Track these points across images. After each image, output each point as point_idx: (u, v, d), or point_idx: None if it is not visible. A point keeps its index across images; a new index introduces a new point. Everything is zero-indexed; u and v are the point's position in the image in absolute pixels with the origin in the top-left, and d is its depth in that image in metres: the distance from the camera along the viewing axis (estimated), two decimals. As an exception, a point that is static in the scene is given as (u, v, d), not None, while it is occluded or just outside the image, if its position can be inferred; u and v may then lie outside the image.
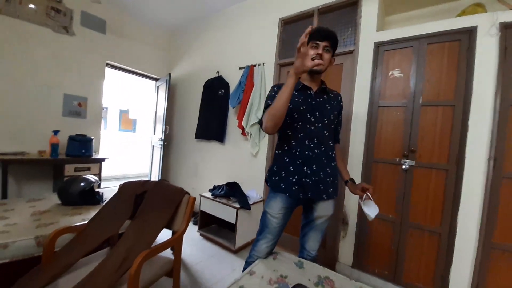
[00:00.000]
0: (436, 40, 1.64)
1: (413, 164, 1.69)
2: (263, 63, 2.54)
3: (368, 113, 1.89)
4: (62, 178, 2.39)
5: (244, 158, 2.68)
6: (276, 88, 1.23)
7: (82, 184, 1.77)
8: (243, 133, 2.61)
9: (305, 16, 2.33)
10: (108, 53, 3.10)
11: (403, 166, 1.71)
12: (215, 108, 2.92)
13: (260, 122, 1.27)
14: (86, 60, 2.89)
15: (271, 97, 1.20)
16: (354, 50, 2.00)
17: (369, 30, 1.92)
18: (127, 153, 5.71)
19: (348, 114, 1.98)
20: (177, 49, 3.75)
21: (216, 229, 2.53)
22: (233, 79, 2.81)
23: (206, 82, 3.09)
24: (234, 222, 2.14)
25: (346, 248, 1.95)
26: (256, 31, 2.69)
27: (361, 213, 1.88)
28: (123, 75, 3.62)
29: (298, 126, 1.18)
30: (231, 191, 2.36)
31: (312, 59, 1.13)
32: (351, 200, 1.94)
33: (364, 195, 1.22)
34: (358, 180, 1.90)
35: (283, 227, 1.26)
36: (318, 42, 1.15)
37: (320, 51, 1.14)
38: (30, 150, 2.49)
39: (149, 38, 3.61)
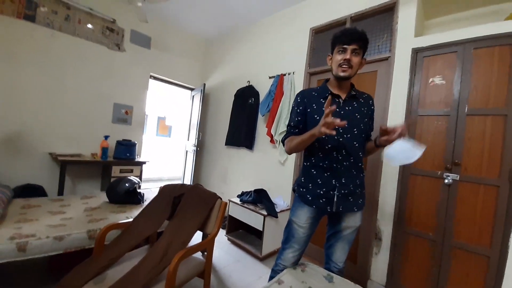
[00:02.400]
0: (483, 44, 1.51)
1: (457, 178, 1.55)
2: (293, 72, 2.57)
3: (406, 122, 1.79)
4: (109, 178, 2.68)
5: (272, 165, 2.71)
6: (299, 98, 1.21)
7: (127, 184, 1.97)
8: (272, 141, 2.65)
9: (337, 25, 2.32)
10: (152, 66, 3.44)
11: (446, 180, 1.58)
12: (245, 116, 3.02)
13: (282, 140, 1.26)
14: (133, 73, 3.24)
15: (293, 113, 1.22)
16: (389, 57, 1.93)
17: (407, 36, 1.84)
18: (162, 157, 6.14)
19: (382, 123, 1.90)
20: (211, 60, 3.98)
21: (243, 235, 2.58)
22: (263, 88, 2.89)
23: (237, 91, 3.22)
24: (261, 229, 2.17)
25: (379, 266, 1.84)
26: (286, 41, 2.74)
27: (397, 229, 1.77)
28: (162, 85, 3.95)
29: (326, 137, 1.11)
30: (258, 198, 2.40)
31: (340, 65, 1.10)
32: (385, 215, 1.83)
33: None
34: (393, 192, 1.80)
35: (310, 237, 1.23)
36: (345, 46, 1.08)
37: (348, 56, 1.07)
38: (85, 152, 2.84)
39: (186, 51, 3.90)
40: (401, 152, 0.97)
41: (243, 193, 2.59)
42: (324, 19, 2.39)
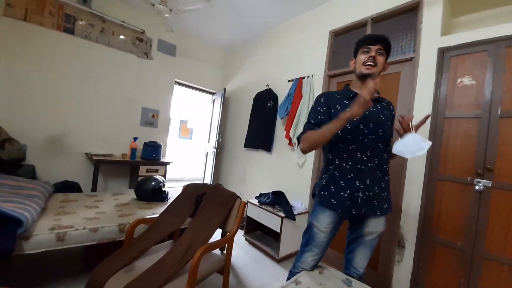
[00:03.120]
0: (518, 42, 1.42)
1: (490, 185, 1.45)
2: (312, 75, 2.57)
3: (431, 125, 1.72)
4: (137, 177, 2.87)
5: (290, 168, 2.72)
6: (323, 99, 1.19)
7: (153, 183, 2.11)
8: (290, 143, 2.66)
9: (357, 26, 2.29)
10: (176, 72, 3.65)
11: (477, 187, 1.48)
12: (263, 119, 3.07)
13: (298, 137, 1.24)
14: (160, 79, 3.46)
15: (315, 112, 1.18)
16: (413, 57, 1.87)
17: (432, 35, 1.77)
18: (184, 158, 6.39)
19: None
20: (231, 65, 4.10)
21: (260, 236, 2.61)
22: (282, 91, 2.92)
23: (256, 94, 3.29)
24: (278, 231, 2.18)
25: (402, 274, 1.76)
26: (305, 45, 2.76)
27: (422, 236, 1.69)
28: (184, 90, 4.15)
29: (350, 138, 1.11)
30: (276, 200, 2.42)
31: (364, 63, 1.10)
32: (409, 221, 1.76)
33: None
34: (418, 198, 1.73)
35: (330, 241, 1.21)
36: (369, 46, 1.11)
37: (373, 54, 1.09)
38: (116, 152, 3.08)
39: (208, 57, 4.08)
40: (407, 146, 0.98)
41: (261, 195, 2.62)
42: (344, 21, 2.37)
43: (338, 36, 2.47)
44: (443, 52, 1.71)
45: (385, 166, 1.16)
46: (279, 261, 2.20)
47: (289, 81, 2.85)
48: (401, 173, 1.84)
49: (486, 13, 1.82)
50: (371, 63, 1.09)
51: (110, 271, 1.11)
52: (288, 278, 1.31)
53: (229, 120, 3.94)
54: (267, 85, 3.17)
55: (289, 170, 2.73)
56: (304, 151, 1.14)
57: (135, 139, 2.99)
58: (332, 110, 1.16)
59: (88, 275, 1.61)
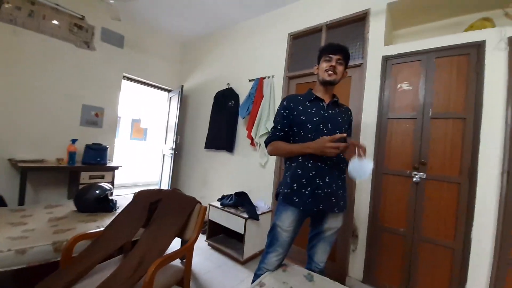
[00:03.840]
0: (444, 54, 1.67)
1: (424, 176, 1.67)
2: (273, 76, 2.61)
3: (377, 125, 1.91)
4: (77, 185, 2.48)
5: (252, 168, 2.71)
6: (286, 102, 1.28)
7: (97, 191, 1.84)
8: (252, 143, 2.65)
9: (313, 31, 2.41)
10: (125, 66, 3.27)
11: (414, 179, 1.70)
12: (224, 118, 2.99)
13: (266, 141, 1.32)
14: (105, 73, 3.05)
15: (280, 115, 1.28)
16: (362, 63, 2.05)
17: (377, 44, 1.97)
18: (137, 162, 5.84)
19: (357, 126, 2.00)
20: (189, 61, 3.90)
21: (224, 239, 2.53)
22: (243, 91, 2.89)
23: (217, 93, 3.19)
24: (242, 232, 2.15)
25: (356, 262, 1.92)
26: (266, 45, 2.78)
27: (372, 226, 1.86)
28: (136, 86, 3.78)
29: (312, 137, 1.18)
30: (239, 201, 2.38)
31: (326, 71, 1.22)
32: (361, 213, 1.92)
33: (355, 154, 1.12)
34: (368, 191, 1.90)
35: (293, 240, 1.25)
36: (331, 55, 1.22)
37: (333, 63, 1.21)
38: (49, 157, 2.60)
39: (163, 51, 3.78)
40: (355, 170, 1.08)
41: (223, 197, 2.55)
42: (302, 25, 2.47)
43: (296, 39, 2.56)
44: (386, 60, 1.92)
45: (342, 165, 1.24)
46: (244, 263, 2.16)
47: (250, 80, 2.84)
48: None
49: (421, 27, 2.11)
50: (331, 71, 1.22)
51: (41, 301, 0.91)
52: (253, 281, 1.28)
53: (188, 119, 3.74)
54: (228, 84, 3.10)
55: (251, 170, 2.72)
56: (270, 155, 1.32)
57: (73, 141, 2.57)
58: (295, 112, 1.25)
59: None
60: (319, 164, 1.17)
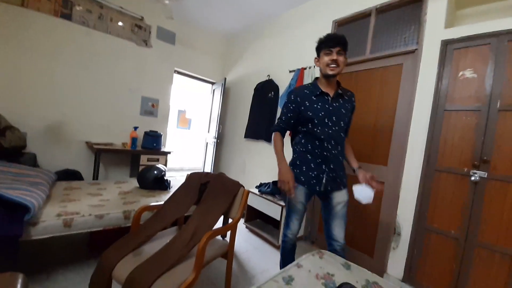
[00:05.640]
0: (521, 36, 1.43)
1: (485, 176, 1.50)
2: (314, 66, 2.56)
3: (431, 117, 1.75)
4: (137, 166, 2.88)
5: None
6: (293, 96, 1.39)
7: (155, 172, 2.13)
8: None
9: (361, 17, 2.28)
10: (176, 61, 3.58)
11: (472, 178, 1.54)
12: (264, 109, 3.07)
13: (271, 129, 1.51)
14: (159, 68, 3.40)
15: (286, 108, 1.40)
16: (416, 49, 1.87)
17: (436, 27, 1.77)
18: (183, 148, 6.39)
19: (407, 119, 1.87)
20: (232, 55, 4.05)
21: (260, 224, 2.67)
22: (283, 82, 2.91)
23: (257, 85, 3.27)
24: (278, 219, 2.24)
25: (396, 260, 1.85)
26: (307, 35, 2.73)
27: (417, 225, 1.76)
28: (182, 79, 4.10)
29: (318, 130, 1.32)
30: (277, 189, 2.46)
31: (328, 65, 1.28)
32: (406, 211, 1.82)
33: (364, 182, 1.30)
34: (415, 188, 1.78)
35: (305, 209, 1.44)
36: (331, 49, 1.27)
37: (334, 57, 1.26)
38: (116, 141, 3.07)
39: (208, 46, 4.01)
40: (360, 193, 1.27)
41: (261, 184, 2.67)
42: (348, 11, 2.34)
43: (341, 26, 2.45)
44: (446, 45, 1.72)
45: (344, 152, 1.40)
46: (279, 247, 2.26)
47: (290, 71, 2.84)
48: (400, 163, 1.88)
49: (490, 6, 1.80)
50: (334, 65, 1.27)
51: (120, 254, 1.14)
52: (282, 247, 1.50)
53: (229, 110, 3.93)
54: (268, 75, 3.15)
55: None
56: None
57: (135, 128, 2.98)
58: (302, 107, 1.36)
59: (93, 260, 1.68)
60: (325, 153, 1.32)
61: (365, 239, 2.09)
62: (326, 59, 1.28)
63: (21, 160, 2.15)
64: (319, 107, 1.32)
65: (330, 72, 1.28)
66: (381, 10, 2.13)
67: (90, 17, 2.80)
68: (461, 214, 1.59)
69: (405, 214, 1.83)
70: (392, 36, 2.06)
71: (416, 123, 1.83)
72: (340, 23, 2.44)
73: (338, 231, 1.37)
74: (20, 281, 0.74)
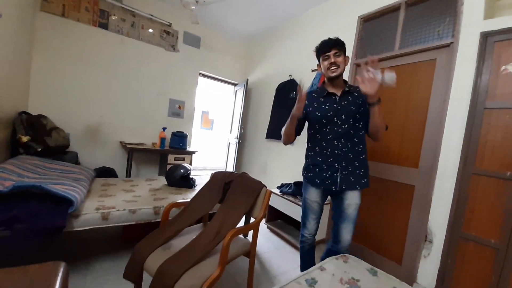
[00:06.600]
0: None
1: (533, 181, 1.35)
2: (338, 64, 2.50)
3: (469, 116, 1.61)
4: (165, 165, 3.05)
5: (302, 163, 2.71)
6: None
7: (182, 170, 2.24)
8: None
9: (389, 11, 2.17)
10: (201, 64, 3.74)
11: (517, 183, 1.39)
12: (286, 110, 3.05)
13: (282, 132, 1.52)
14: (185, 71, 3.58)
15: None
16: (452, 42, 1.74)
17: (474, 19, 1.63)
18: (206, 148, 6.59)
19: (440, 118, 1.75)
20: (254, 56, 4.09)
21: (282, 225, 2.67)
22: (305, 82, 2.88)
23: (279, 85, 3.27)
24: (299, 220, 2.22)
25: (427, 269, 1.73)
26: (331, 32, 2.63)
27: (452, 232, 1.64)
28: (206, 81, 4.24)
29: (327, 130, 1.35)
30: (298, 190, 2.45)
31: (328, 68, 1.33)
32: (439, 217, 1.70)
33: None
34: (450, 192, 1.66)
35: (322, 208, 1.47)
36: (327, 53, 1.33)
37: (332, 60, 1.31)
38: (147, 141, 3.28)
39: (231, 48, 4.12)
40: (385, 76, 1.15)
41: (282, 185, 2.67)
42: (375, 5, 2.25)
43: (367, 22, 2.36)
44: (486, 37, 1.58)
45: (357, 148, 1.36)
46: (301, 249, 2.25)
47: (313, 71, 2.79)
48: (432, 167, 1.77)
49: None
50: (334, 67, 1.32)
51: (151, 247, 1.23)
52: (301, 247, 1.55)
53: (251, 110, 3.98)
54: (290, 75, 3.14)
55: (302, 166, 2.72)
56: (284, 143, 1.52)
57: (164, 129, 3.16)
58: (310, 108, 1.42)
59: (126, 251, 1.81)
60: (336, 151, 1.34)
61: (393, 245, 1.99)
62: (325, 63, 1.35)
63: (65, 158, 2.39)
64: (327, 107, 1.37)
65: (332, 75, 1.33)
66: (411, 3, 2.01)
67: (124, 25, 3.02)
68: (502, 222, 1.45)
69: (438, 220, 1.71)
70: (424, 30, 1.94)
71: (451, 123, 1.70)
72: (366, 19, 2.35)
73: (347, 234, 1.37)
74: (62, 269, 0.81)
